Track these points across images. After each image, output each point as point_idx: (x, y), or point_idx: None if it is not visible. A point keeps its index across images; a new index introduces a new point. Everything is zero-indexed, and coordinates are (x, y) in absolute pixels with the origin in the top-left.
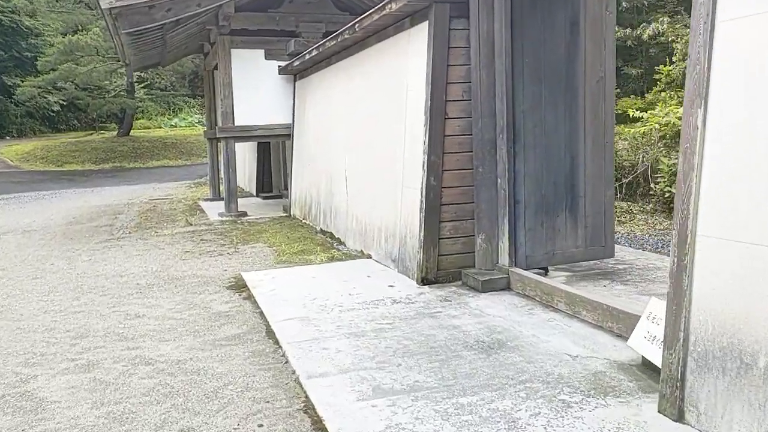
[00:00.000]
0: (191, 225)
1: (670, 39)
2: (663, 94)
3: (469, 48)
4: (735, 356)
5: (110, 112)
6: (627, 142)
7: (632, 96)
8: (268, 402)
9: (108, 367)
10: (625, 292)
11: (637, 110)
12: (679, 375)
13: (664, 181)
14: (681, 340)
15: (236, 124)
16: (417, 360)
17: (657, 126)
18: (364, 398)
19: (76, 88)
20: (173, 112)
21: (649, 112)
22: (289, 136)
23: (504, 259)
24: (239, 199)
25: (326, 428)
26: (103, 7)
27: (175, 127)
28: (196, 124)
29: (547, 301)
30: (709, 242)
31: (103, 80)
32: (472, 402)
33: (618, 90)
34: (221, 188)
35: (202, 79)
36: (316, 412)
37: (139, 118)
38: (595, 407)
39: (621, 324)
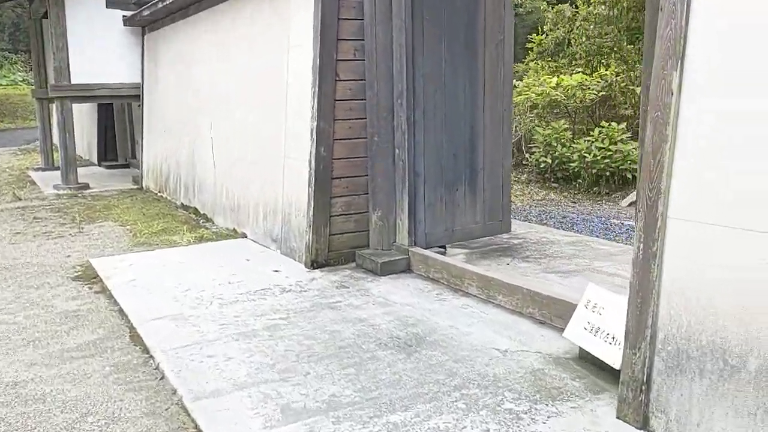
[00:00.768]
0: (20, 200)
1: (541, 8)
2: (532, 63)
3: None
4: (717, 357)
5: None
6: None
7: None
8: None
9: None
10: (530, 270)
11: None
12: (645, 377)
13: (539, 151)
14: (648, 338)
15: (73, 82)
16: (327, 365)
17: (533, 96)
18: (272, 425)
19: None
20: None
21: (524, 80)
22: (139, 97)
23: (403, 238)
24: (79, 169)
25: None
26: None
27: None
28: (20, 83)
29: (456, 284)
30: (685, 226)
31: None
32: (405, 420)
33: None
34: (55, 156)
35: (26, 31)
36: None
37: None
38: (548, 417)
39: (544, 310)
